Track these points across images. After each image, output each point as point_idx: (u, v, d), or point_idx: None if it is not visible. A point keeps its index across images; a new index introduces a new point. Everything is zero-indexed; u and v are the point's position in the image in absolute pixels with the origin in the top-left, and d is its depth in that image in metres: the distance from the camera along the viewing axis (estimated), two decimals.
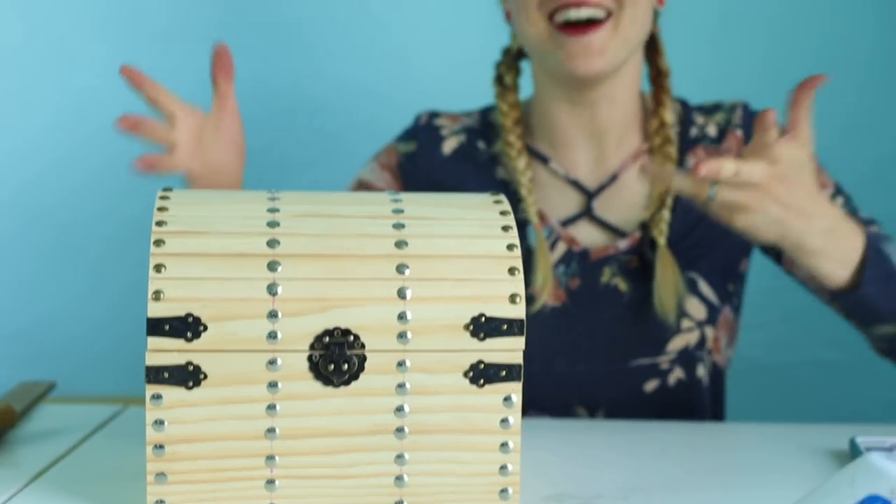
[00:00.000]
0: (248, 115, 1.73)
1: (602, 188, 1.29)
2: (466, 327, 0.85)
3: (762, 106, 1.32)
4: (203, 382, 0.84)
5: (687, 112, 1.33)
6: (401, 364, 0.85)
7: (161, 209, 0.87)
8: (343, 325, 0.85)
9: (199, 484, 0.85)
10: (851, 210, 1.26)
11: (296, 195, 0.92)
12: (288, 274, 0.84)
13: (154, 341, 0.83)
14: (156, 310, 0.83)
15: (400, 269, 0.85)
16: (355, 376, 0.85)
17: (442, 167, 1.33)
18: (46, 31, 1.68)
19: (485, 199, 0.94)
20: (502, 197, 0.94)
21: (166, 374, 0.83)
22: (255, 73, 1.72)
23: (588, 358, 1.26)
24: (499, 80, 1.33)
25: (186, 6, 1.71)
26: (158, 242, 0.85)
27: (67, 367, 1.70)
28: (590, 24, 1.17)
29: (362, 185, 1.34)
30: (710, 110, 1.32)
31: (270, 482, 0.85)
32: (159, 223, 0.86)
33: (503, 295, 0.86)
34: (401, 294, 0.85)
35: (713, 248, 1.27)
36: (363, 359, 0.85)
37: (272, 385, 0.84)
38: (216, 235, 0.86)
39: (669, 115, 1.28)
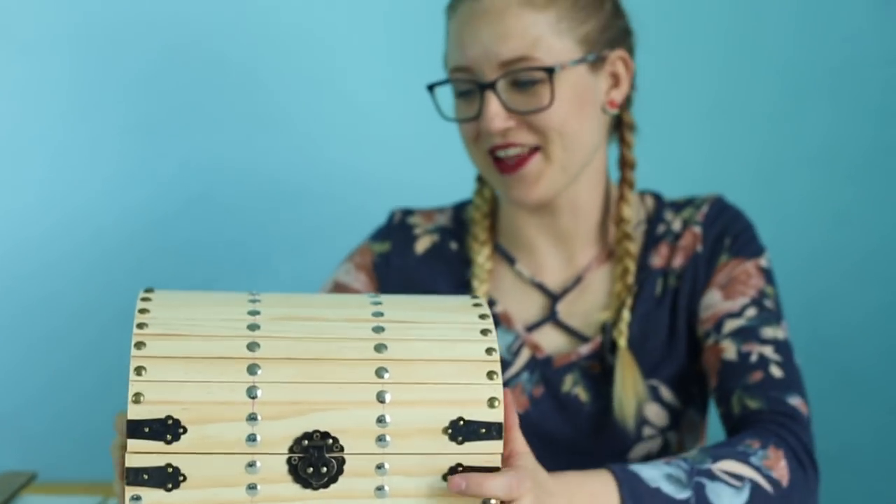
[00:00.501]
0: (232, 201, 1.76)
1: (566, 291, 1.29)
2: (445, 431, 0.86)
3: (749, 197, 1.36)
4: (182, 484, 0.84)
5: (659, 207, 1.31)
6: (380, 467, 0.86)
7: (142, 311, 0.88)
8: (322, 429, 0.85)
9: None
10: (761, 320, 1.22)
11: (276, 297, 0.93)
12: (267, 377, 0.85)
13: (134, 443, 0.83)
14: (136, 412, 0.83)
15: (379, 372, 0.86)
16: (334, 479, 0.85)
17: (415, 266, 1.34)
18: (32, 123, 1.70)
19: (464, 301, 0.95)
20: (482, 300, 0.95)
21: (146, 476, 0.84)
22: (241, 160, 1.75)
23: (550, 466, 1.21)
24: (478, 190, 1.34)
25: (172, 93, 1.72)
26: (139, 345, 0.85)
27: (50, 452, 1.70)
28: (520, 159, 1.20)
29: (338, 287, 1.34)
30: (681, 206, 1.31)
31: None
32: (140, 325, 0.87)
33: (482, 399, 0.87)
34: (380, 398, 0.86)
35: (671, 351, 1.26)
36: (342, 462, 0.85)
37: (251, 487, 0.85)
38: (196, 339, 0.86)
39: (629, 210, 1.28)
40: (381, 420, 0.85)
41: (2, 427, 1.70)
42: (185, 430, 0.83)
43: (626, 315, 1.25)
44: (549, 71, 1.18)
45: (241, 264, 1.75)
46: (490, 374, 0.88)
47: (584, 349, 1.26)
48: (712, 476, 1.07)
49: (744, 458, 1.09)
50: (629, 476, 1.04)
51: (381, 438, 0.85)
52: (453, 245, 1.35)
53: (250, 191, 1.75)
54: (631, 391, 1.22)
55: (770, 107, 1.82)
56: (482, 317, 0.92)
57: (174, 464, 0.84)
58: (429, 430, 0.86)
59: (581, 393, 1.25)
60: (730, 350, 1.20)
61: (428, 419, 0.86)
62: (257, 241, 1.75)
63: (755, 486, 1.08)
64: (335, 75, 1.76)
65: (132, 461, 0.83)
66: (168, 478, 0.84)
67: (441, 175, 1.59)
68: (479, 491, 0.87)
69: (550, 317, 1.28)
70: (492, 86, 1.19)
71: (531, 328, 1.28)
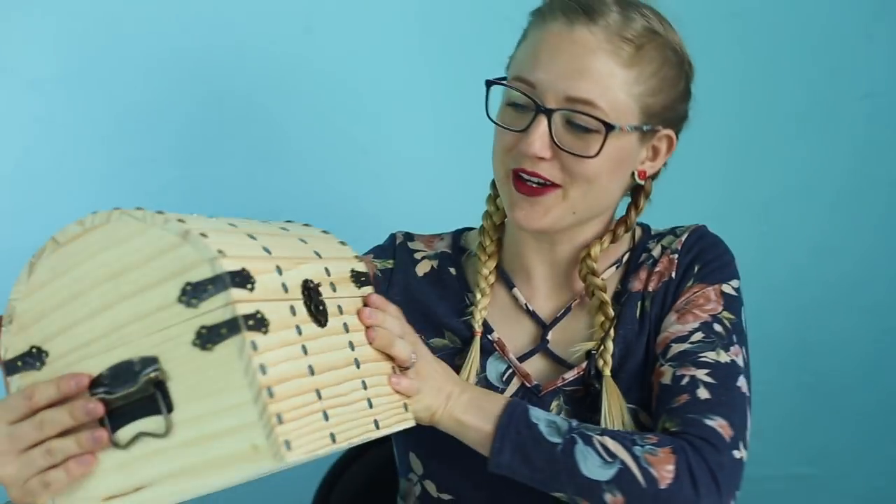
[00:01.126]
0: None
1: (556, 321, 1.31)
2: (351, 279, 1.10)
3: (728, 230, 1.38)
4: (269, 328, 0.89)
5: (645, 237, 1.34)
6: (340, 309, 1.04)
7: (135, 216, 0.94)
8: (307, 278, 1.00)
9: None
10: (705, 344, 1.22)
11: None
12: (266, 243, 0.99)
13: (236, 293, 0.86)
14: (224, 265, 0.86)
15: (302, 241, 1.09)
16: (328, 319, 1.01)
17: (417, 285, 1.35)
18: (36, 157, 1.71)
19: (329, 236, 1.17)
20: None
21: (251, 322, 0.87)
22: (242, 192, 1.77)
23: (534, 490, 1.21)
24: (492, 198, 1.35)
25: (174, 126, 1.74)
26: (182, 220, 0.91)
27: None
28: (540, 186, 1.20)
29: None
30: (663, 235, 1.33)
31: None
32: (181, 220, 0.93)
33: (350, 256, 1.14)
34: (317, 255, 1.07)
35: (643, 377, 1.26)
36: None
37: (300, 331, 0.96)
38: (217, 220, 0.98)
39: (597, 249, 1.28)
40: (326, 271, 1.05)
41: None
42: (255, 281, 0.90)
43: (609, 345, 1.25)
44: (609, 127, 1.18)
45: None
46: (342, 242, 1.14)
47: (569, 375, 1.27)
48: (588, 440, 1.11)
49: (627, 444, 1.11)
50: (518, 406, 1.15)
51: (331, 286, 1.05)
52: (452, 270, 1.36)
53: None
54: (618, 420, 1.23)
55: (751, 139, 1.86)
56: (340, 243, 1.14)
57: (262, 311, 0.89)
58: (345, 279, 1.09)
59: (565, 415, 1.26)
60: (667, 374, 1.20)
61: (342, 271, 1.09)
62: None
63: (625, 470, 1.09)
64: (335, 109, 1.79)
65: (240, 310, 0.87)
66: (260, 322, 0.89)
67: (434, 210, 1.62)
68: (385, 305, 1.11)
69: (541, 346, 1.30)
70: (550, 112, 1.18)
71: (522, 358, 1.30)
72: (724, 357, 1.19)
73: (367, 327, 1.08)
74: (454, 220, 1.45)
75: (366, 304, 1.10)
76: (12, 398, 0.93)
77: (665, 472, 1.09)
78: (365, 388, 1.02)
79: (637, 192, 1.32)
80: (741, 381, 1.19)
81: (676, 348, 1.21)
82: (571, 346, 1.28)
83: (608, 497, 1.09)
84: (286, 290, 0.93)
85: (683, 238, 1.30)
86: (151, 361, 0.88)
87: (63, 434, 0.92)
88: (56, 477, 0.92)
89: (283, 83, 1.77)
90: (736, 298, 1.25)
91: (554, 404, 1.27)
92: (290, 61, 1.77)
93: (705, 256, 1.28)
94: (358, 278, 1.10)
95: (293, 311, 0.93)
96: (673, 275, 1.27)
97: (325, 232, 1.16)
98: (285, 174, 1.78)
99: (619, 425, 1.22)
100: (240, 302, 0.86)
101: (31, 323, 0.93)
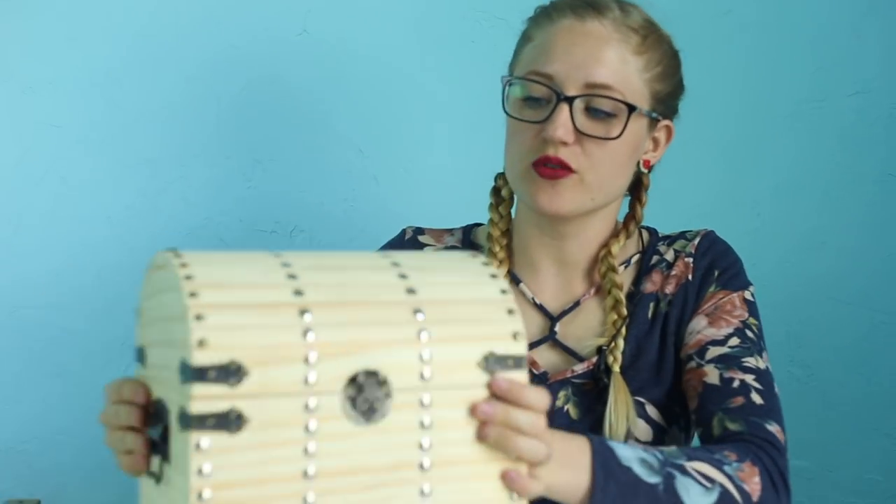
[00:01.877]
0: (233, 234, 1.76)
1: (565, 313, 1.33)
2: (479, 364, 0.91)
3: (719, 225, 1.40)
4: (245, 426, 0.84)
5: (653, 240, 1.37)
6: (423, 401, 0.90)
7: (183, 265, 0.88)
8: (371, 367, 0.89)
9: None
10: (744, 349, 1.27)
11: (297, 253, 0.96)
12: (318, 321, 0.87)
13: (199, 388, 0.83)
14: (201, 358, 0.83)
15: (415, 312, 0.91)
16: (384, 414, 0.89)
17: None
18: (35, 161, 1.71)
19: (463, 254, 1.01)
20: (477, 252, 1.02)
21: (211, 421, 0.83)
22: (239, 195, 1.78)
23: None
24: (496, 191, 1.37)
25: (172, 129, 1.75)
26: (194, 294, 0.85)
27: (54, 481, 1.72)
28: (561, 168, 1.23)
29: None
30: (673, 239, 1.36)
31: None
32: (188, 277, 0.87)
33: (506, 334, 0.93)
34: (420, 336, 0.90)
35: (659, 372, 1.30)
36: (390, 397, 0.89)
37: (308, 426, 0.87)
38: (245, 288, 0.88)
39: (617, 246, 1.32)
40: (421, 357, 0.90)
41: (7, 456, 1.71)
42: (247, 374, 0.84)
43: (620, 342, 1.29)
44: (631, 108, 1.23)
45: None
46: (510, 311, 0.94)
47: (579, 367, 1.30)
48: (684, 471, 1.09)
49: (718, 465, 1.12)
50: (605, 449, 1.07)
51: (422, 374, 0.90)
52: None
53: (248, 225, 1.78)
54: (623, 415, 1.25)
55: (742, 136, 1.86)
56: (485, 264, 0.98)
57: (238, 407, 0.84)
58: (464, 363, 0.91)
59: (572, 409, 1.29)
60: (713, 374, 1.24)
61: (463, 354, 0.91)
62: None
63: (725, 492, 1.10)
64: (331, 110, 1.80)
65: (197, 407, 0.83)
66: (232, 422, 0.84)
67: (428, 212, 1.62)
68: (519, 395, 0.92)
69: (549, 336, 1.32)
70: (571, 100, 1.22)
71: (531, 346, 1.31)
72: (761, 364, 1.25)
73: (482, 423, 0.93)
74: (451, 220, 1.46)
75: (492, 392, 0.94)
76: (117, 382, 0.98)
77: (754, 484, 1.13)
78: (423, 494, 0.91)
79: (637, 188, 1.36)
80: (776, 388, 1.25)
81: (715, 351, 1.26)
82: (582, 341, 1.32)
83: None
84: (307, 384, 0.87)
85: (696, 242, 1.34)
86: (167, 414, 0.89)
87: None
88: (121, 461, 0.97)
89: (280, 84, 1.78)
90: (755, 305, 1.31)
91: (562, 394, 1.29)
92: (287, 63, 1.77)
93: (722, 262, 1.32)
94: (497, 363, 0.93)
95: (307, 407, 0.87)
96: (690, 277, 1.32)
97: (495, 281, 0.96)
98: (282, 175, 1.79)
99: (625, 418, 1.25)
100: (202, 399, 0.83)
101: (145, 324, 0.96)
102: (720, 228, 1.39)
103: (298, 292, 0.88)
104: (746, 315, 1.29)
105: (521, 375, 0.93)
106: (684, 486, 1.08)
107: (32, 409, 1.72)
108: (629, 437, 1.27)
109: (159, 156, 1.74)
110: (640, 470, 1.08)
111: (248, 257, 0.93)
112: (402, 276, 0.93)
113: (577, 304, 1.34)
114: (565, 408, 1.29)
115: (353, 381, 0.88)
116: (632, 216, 1.36)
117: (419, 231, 1.43)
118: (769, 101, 1.86)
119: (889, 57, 1.85)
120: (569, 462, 1.04)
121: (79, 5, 1.70)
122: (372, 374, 0.88)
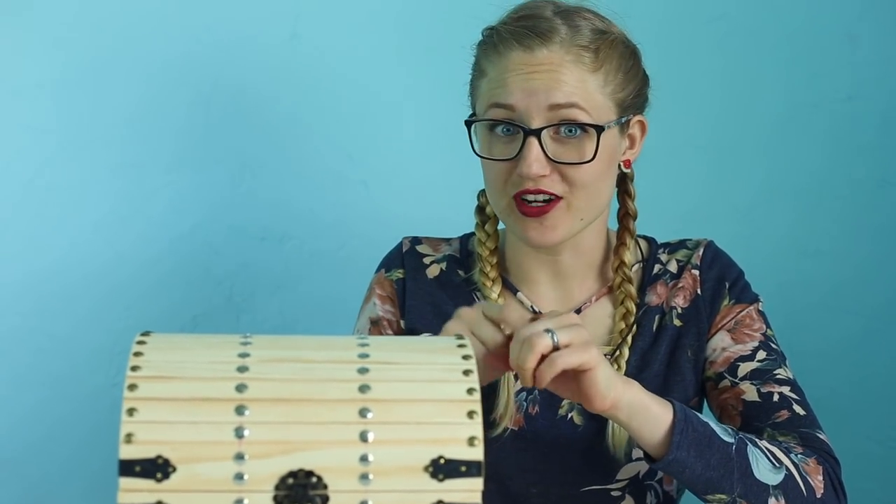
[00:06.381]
0: (222, 240, 1.78)
1: None
2: (426, 469, 0.88)
3: (708, 232, 1.40)
4: None
5: (653, 249, 1.37)
6: None
7: (137, 354, 0.90)
8: (307, 467, 0.87)
9: None
10: (772, 361, 1.29)
11: (266, 339, 0.95)
12: (254, 418, 0.87)
13: (126, 482, 0.85)
14: (127, 452, 0.85)
15: (363, 412, 0.88)
16: None
17: (429, 289, 1.37)
18: (20, 165, 1.70)
19: (449, 342, 0.97)
20: (466, 341, 0.98)
21: None
22: (229, 201, 1.77)
23: (542, 481, 1.29)
24: (480, 209, 1.37)
25: (158, 134, 1.74)
26: (132, 387, 0.87)
27: (51, 496, 1.72)
28: (545, 203, 1.22)
29: (375, 323, 1.38)
30: (674, 248, 1.37)
31: None
32: (134, 367, 0.88)
33: (462, 438, 0.89)
34: (363, 437, 0.88)
35: (665, 383, 1.30)
36: (326, 499, 0.87)
37: None
38: (186, 381, 0.88)
39: (629, 255, 1.33)
40: (363, 459, 0.87)
41: (4, 471, 1.71)
42: (174, 469, 0.85)
43: (625, 351, 1.29)
44: (599, 129, 1.21)
45: (228, 301, 1.78)
46: (470, 414, 0.89)
47: None
48: (755, 444, 1.14)
49: (786, 451, 1.15)
50: (683, 407, 1.13)
51: (363, 476, 0.87)
52: (461, 272, 1.38)
53: (236, 231, 1.78)
54: None
55: (733, 141, 1.86)
56: (465, 357, 0.94)
57: (165, 501, 0.85)
58: (410, 468, 0.88)
59: (576, 417, 1.29)
60: (750, 392, 1.26)
61: (409, 457, 0.88)
62: (243, 279, 1.78)
63: (791, 476, 1.13)
64: (321, 115, 1.79)
65: (124, 499, 0.85)
66: None
67: (419, 218, 1.64)
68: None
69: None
70: (538, 132, 1.21)
71: None
72: (790, 373, 1.28)
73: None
74: (442, 225, 1.46)
75: None
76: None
77: (818, 482, 1.15)
78: None
79: (622, 181, 1.35)
80: (807, 397, 1.27)
81: (746, 367, 1.28)
82: None
83: (772, 501, 1.12)
84: (239, 481, 0.86)
85: (700, 253, 1.35)
86: None
87: None
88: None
89: (270, 89, 1.77)
90: (766, 316, 1.33)
91: (566, 403, 1.29)
92: (277, 67, 1.77)
93: (730, 274, 1.34)
94: (445, 468, 0.89)
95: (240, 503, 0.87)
96: (700, 291, 1.32)
97: (466, 378, 0.94)
98: (271, 181, 1.78)
99: (626, 433, 1.24)
100: (129, 492, 0.85)
101: None
102: (712, 235, 1.39)
103: (241, 387, 0.88)
104: (764, 327, 1.31)
105: (476, 483, 0.89)
106: (755, 457, 1.13)
107: (18, 417, 1.72)
108: (632, 446, 1.27)
109: (147, 161, 1.74)
110: (717, 428, 1.13)
111: (210, 342, 0.93)
112: (362, 371, 0.91)
113: (577, 311, 1.33)
114: (569, 415, 1.29)
115: (284, 481, 0.87)
116: (626, 212, 1.35)
117: (416, 241, 1.42)
118: (761, 106, 1.86)
119: (882, 62, 1.83)
120: (654, 399, 1.11)
121: (66, 9, 1.69)
122: (308, 475, 0.87)
